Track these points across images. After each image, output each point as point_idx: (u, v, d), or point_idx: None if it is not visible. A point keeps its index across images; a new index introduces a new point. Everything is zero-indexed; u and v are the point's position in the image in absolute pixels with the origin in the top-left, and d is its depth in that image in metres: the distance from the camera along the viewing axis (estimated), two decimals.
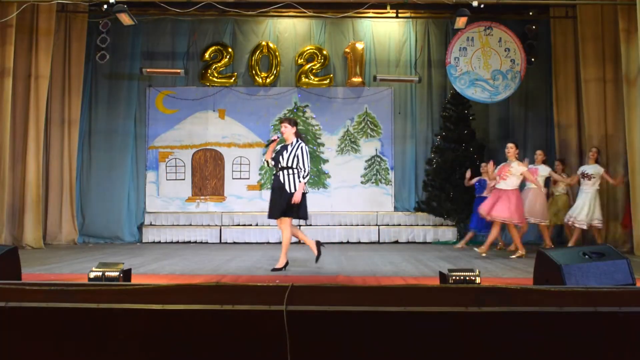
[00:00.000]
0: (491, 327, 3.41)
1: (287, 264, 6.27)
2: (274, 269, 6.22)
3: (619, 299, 3.43)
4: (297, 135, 6.37)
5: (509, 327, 3.42)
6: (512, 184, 7.74)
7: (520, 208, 7.77)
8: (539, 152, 8.88)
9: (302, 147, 6.24)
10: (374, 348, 3.41)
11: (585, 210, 8.27)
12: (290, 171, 6.20)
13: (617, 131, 9.21)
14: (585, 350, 3.39)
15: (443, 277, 4.20)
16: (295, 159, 6.19)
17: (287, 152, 6.23)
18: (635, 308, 3.39)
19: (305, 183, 6.24)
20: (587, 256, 4.06)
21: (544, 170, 8.62)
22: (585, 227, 8.34)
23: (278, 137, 6.39)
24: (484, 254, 7.74)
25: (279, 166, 6.24)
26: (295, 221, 6.52)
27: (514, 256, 7.69)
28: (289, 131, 6.34)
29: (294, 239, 6.60)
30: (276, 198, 6.23)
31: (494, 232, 7.82)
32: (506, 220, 7.69)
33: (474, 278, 3.96)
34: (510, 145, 7.92)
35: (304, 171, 6.22)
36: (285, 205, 6.16)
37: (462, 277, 3.97)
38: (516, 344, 3.41)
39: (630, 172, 8.38)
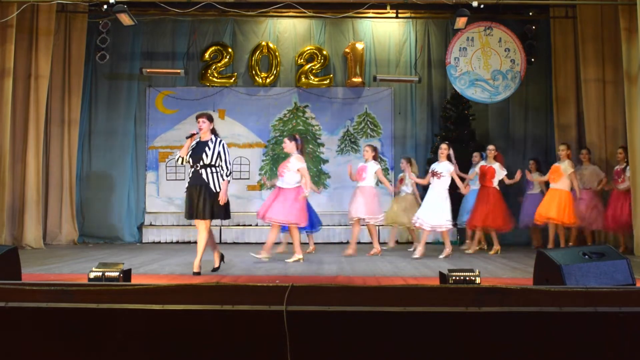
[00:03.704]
0: (491, 327, 3.42)
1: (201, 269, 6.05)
2: (195, 273, 5.99)
3: (619, 299, 3.44)
4: (214, 131, 6.19)
5: (509, 327, 3.42)
6: (291, 182, 7.21)
7: (297, 208, 7.16)
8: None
9: (223, 145, 6.11)
10: (374, 348, 3.41)
11: (431, 211, 7.73)
12: (214, 169, 6.03)
13: (617, 131, 9.21)
14: (585, 350, 3.39)
15: (443, 277, 4.21)
16: (218, 156, 6.04)
17: (209, 149, 6.03)
18: (635, 308, 3.40)
19: (228, 181, 6.10)
20: (587, 256, 4.06)
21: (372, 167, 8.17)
22: (428, 229, 7.74)
23: (197, 133, 6.06)
24: (265, 257, 7.11)
25: (202, 163, 5.98)
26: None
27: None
28: (207, 127, 6.08)
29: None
30: (199, 197, 5.97)
31: (272, 235, 7.21)
32: (283, 222, 7.16)
33: (473, 278, 3.96)
34: (285, 139, 7.48)
35: (227, 170, 6.09)
36: (213, 205, 5.99)
37: (462, 277, 3.97)
38: (516, 344, 3.41)
39: (631, 170, 8.37)
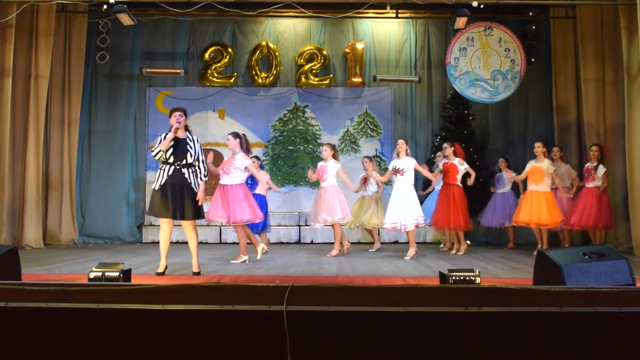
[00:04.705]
0: (491, 327, 3.41)
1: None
2: (195, 273, 6.01)
3: (619, 299, 3.43)
4: (187, 127, 6.00)
5: (509, 327, 3.42)
6: (238, 179, 7.05)
7: (253, 203, 7.07)
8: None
9: (200, 144, 5.99)
10: (374, 348, 3.41)
11: (406, 209, 7.55)
12: (193, 169, 5.91)
13: (616, 131, 9.21)
14: (585, 350, 3.39)
15: (443, 277, 4.21)
16: (198, 156, 5.93)
17: (191, 147, 5.85)
18: (635, 308, 3.39)
19: (205, 182, 6.02)
20: (587, 256, 4.07)
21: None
22: (412, 228, 7.58)
23: (178, 127, 5.80)
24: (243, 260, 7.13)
25: (184, 162, 5.80)
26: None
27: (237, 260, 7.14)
28: (184, 122, 5.85)
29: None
30: (183, 197, 5.82)
31: (241, 235, 7.16)
32: (250, 220, 7.02)
33: (473, 278, 3.97)
34: (229, 136, 7.17)
35: (205, 170, 6.00)
36: (196, 205, 5.91)
37: (462, 277, 3.97)
38: (516, 344, 3.41)
39: (629, 169, 8.37)
